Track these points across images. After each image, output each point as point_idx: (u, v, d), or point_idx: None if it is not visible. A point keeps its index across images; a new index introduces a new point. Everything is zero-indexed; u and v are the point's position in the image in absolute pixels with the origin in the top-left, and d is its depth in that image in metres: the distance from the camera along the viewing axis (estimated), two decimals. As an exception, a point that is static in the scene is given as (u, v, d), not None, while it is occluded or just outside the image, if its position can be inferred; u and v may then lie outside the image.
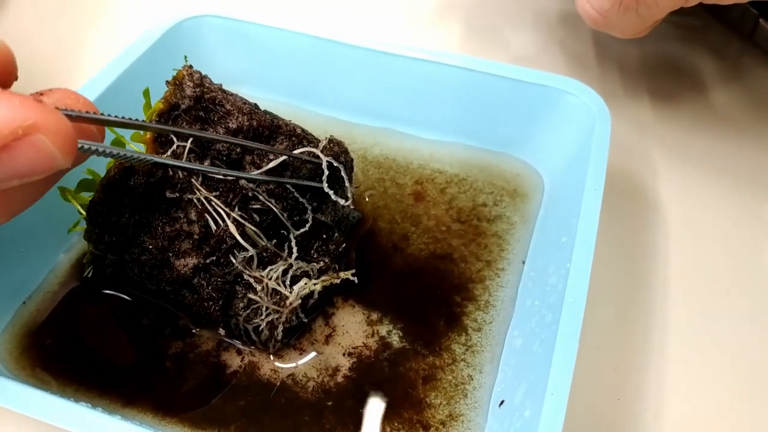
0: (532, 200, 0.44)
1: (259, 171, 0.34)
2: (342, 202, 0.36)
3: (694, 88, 0.54)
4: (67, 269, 0.39)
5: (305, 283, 0.34)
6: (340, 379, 0.35)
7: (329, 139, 0.37)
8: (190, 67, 0.36)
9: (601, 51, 0.57)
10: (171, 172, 0.34)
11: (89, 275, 0.38)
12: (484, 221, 0.43)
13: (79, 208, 0.35)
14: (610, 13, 0.37)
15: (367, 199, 0.44)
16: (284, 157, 0.34)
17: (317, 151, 0.35)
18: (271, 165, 0.34)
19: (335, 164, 0.36)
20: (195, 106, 0.35)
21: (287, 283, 0.34)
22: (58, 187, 0.36)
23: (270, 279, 0.33)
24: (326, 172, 0.35)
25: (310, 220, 0.35)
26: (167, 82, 0.36)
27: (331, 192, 0.35)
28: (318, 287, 0.35)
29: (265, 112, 0.37)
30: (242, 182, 0.34)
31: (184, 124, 0.35)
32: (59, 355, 0.35)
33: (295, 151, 0.35)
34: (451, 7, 0.61)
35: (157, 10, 0.61)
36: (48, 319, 0.37)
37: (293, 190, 0.35)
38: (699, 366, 0.37)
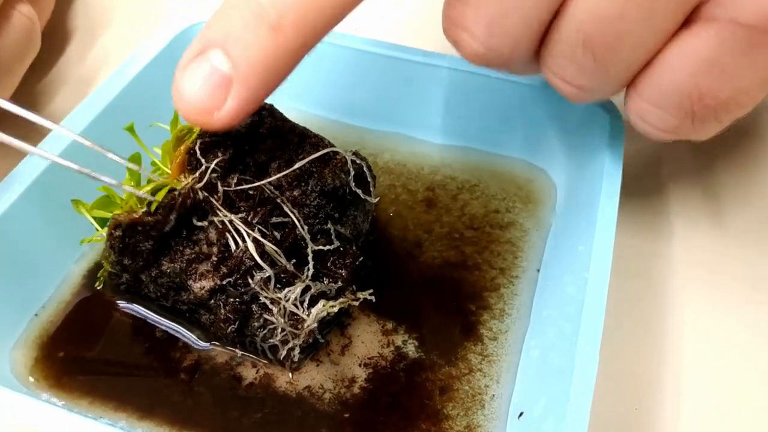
0: (546, 206, 0.43)
1: (282, 174, 0.34)
2: (369, 199, 0.37)
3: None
4: (79, 280, 0.39)
5: (323, 305, 0.34)
6: (356, 390, 0.35)
7: (354, 152, 0.37)
8: None
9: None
10: (200, 197, 0.33)
11: (101, 287, 0.38)
12: (497, 228, 0.42)
13: (93, 222, 0.35)
14: (680, 129, 0.32)
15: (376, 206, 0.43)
16: (309, 159, 0.35)
17: (342, 151, 0.36)
18: (299, 165, 0.35)
19: (358, 161, 0.36)
20: None
21: (305, 304, 0.33)
22: (72, 200, 0.35)
23: (287, 301, 0.33)
24: (352, 172, 0.36)
25: (335, 241, 0.35)
26: None
27: (359, 191, 0.36)
28: (335, 309, 0.34)
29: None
30: (268, 189, 0.34)
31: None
32: (73, 368, 0.35)
33: (318, 153, 0.35)
34: None
35: (160, 17, 0.60)
36: (61, 331, 0.37)
37: (318, 197, 0.35)
38: (718, 374, 0.37)
